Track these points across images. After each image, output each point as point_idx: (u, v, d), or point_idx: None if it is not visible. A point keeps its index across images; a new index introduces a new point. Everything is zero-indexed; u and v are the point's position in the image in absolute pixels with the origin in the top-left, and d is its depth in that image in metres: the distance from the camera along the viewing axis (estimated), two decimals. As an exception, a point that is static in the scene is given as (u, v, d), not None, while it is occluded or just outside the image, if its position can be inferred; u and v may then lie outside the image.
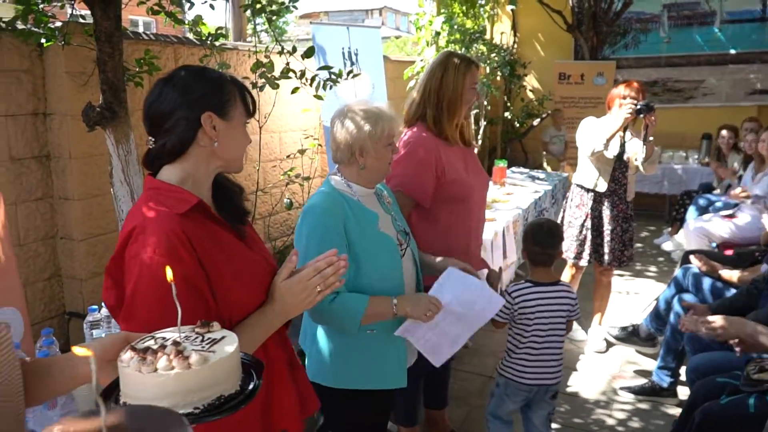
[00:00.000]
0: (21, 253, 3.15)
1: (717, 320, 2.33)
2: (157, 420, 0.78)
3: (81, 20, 3.24)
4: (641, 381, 3.68)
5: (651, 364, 3.77)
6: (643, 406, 3.51)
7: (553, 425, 3.31)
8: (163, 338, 1.06)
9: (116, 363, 1.03)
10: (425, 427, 3.19)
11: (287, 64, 3.45)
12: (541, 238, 2.69)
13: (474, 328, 2.20)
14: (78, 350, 0.86)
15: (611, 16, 8.62)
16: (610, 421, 3.37)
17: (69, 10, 3.11)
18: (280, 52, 3.45)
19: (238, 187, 1.61)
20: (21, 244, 3.16)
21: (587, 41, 8.63)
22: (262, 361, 1.13)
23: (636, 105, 3.72)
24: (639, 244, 6.79)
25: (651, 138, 3.86)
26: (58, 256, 3.35)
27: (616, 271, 5.63)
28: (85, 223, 3.31)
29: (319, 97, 3.61)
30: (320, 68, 3.52)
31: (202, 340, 1.06)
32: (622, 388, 3.65)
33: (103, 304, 2.37)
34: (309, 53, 3.55)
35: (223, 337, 1.07)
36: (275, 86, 3.30)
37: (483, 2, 8.40)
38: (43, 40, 3.02)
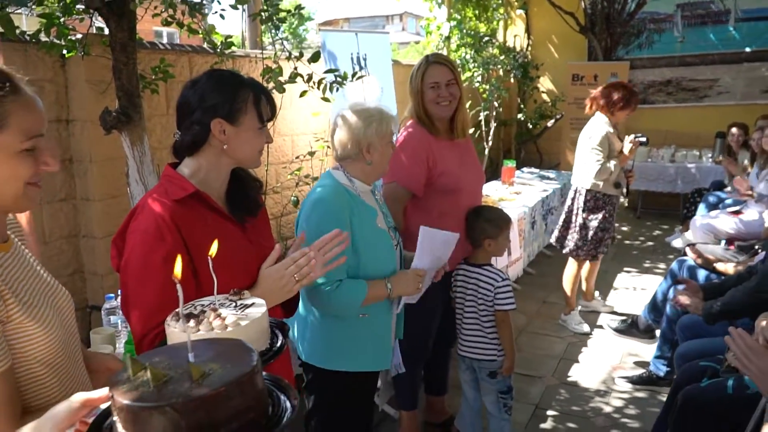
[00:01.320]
0: (46, 250, 3.37)
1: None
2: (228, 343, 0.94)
3: (99, 32, 3.46)
4: (640, 371, 3.78)
5: (650, 355, 3.87)
6: (640, 394, 3.61)
7: (551, 412, 3.44)
8: (202, 305, 1.22)
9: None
10: (425, 413, 3.33)
11: (295, 68, 3.62)
12: (469, 220, 2.87)
13: (440, 264, 2.40)
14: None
15: (625, 16, 8.69)
16: (607, 409, 3.47)
17: (90, 23, 3.32)
18: (288, 57, 3.63)
19: (258, 182, 1.79)
20: (46, 242, 3.37)
21: (601, 42, 8.71)
22: (287, 324, 1.28)
23: (642, 141, 4.13)
24: (650, 242, 6.85)
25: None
26: (81, 253, 3.56)
27: (625, 267, 5.78)
28: (105, 222, 3.52)
29: (326, 100, 3.79)
30: (326, 71, 3.68)
31: (236, 306, 1.21)
32: (620, 378, 3.76)
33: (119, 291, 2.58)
34: (315, 57, 3.71)
35: (252, 303, 1.22)
36: (282, 90, 3.48)
37: (495, 6, 8.55)
38: (64, 52, 3.23)
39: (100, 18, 3.00)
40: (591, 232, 4.31)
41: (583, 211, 4.34)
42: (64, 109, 3.44)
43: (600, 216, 4.27)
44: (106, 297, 2.59)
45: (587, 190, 4.29)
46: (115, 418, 0.77)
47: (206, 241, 1.52)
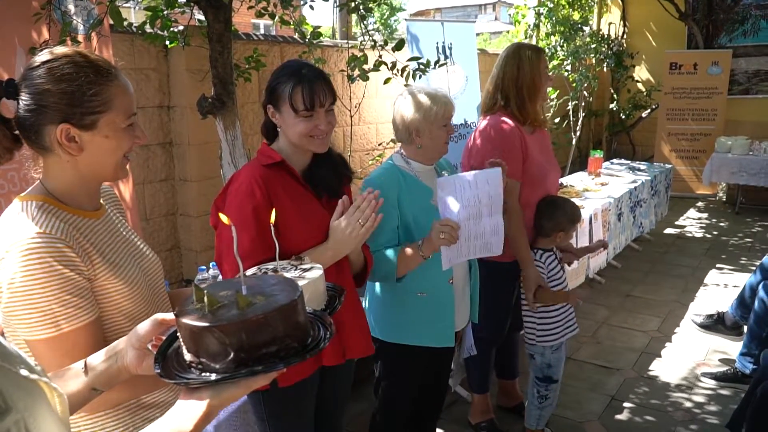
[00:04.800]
0: (147, 227, 3.65)
1: None
2: (281, 282, 1.06)
3: (200, 24, 3.69)
4: (725, 368, 3.66)
5: (737, 353, 3.73)
6: (724, 392, 3.50)
7: (627, 404, 3.40)
8: (267, 268, 1.36)
9: None
10: (498, 396, 3.38)
11: (380, 56, 3.72)
12: (546, 210, 2.85)
13: (498, 208, 2.24)
14: None
15: (729, 2, 8.28)
16: (688, 404, 3.39)
17: (190, 15, 3.56)
18: (373, 46, 3.75)
19: (347, 174, 1.94)
20: (147, 219, 3.65)
21: (702, 29, 8.33)
22: (343, 288, 1.39)
23: None
24: (748, 239, 6.54)
25: None
26: (178, 230, 3.83)
27: (718, 264, 5.57)
28: (200, 202, 3.77)
29: (408, 87, 3.87)
30: (409, 59, 3.76)
31: (296, 269, 1.35)
32: (704, 374, 3.65)
33: (212, 264, 2.78)
34: (399, 46, 3.79)
35: (312, 267, 1.36)
36: (365, 78, 3.60)
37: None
38: (167, 42, 3.49)
39: (199, 10, 3.22)
40: None
41: None
42: (166, 95, 3.70)
43: None
44: (199, 269, 2.80)
45: None
46: (179, 335, 0.93)
47: (287, 201, 1.76)
